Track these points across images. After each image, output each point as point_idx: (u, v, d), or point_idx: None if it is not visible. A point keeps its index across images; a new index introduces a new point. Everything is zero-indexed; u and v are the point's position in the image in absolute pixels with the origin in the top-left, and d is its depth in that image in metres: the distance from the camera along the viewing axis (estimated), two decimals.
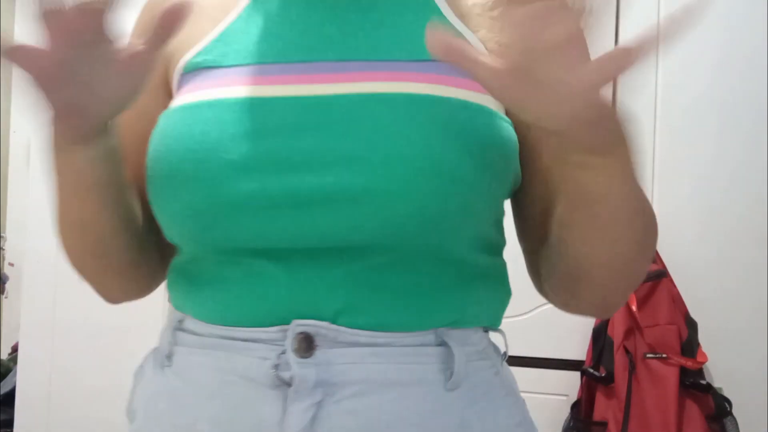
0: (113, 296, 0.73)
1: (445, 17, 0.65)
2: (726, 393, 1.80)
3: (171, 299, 0.68)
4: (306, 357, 0.57)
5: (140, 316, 2.09)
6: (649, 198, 1.90)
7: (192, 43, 0.67)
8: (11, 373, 2.59)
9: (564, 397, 1.91)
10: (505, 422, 0.63)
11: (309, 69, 0.61)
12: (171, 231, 0.63)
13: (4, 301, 2.93)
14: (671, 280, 1.84)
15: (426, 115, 0.58)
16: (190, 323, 0.64)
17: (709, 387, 1.78)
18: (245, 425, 0.58)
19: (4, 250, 2.93)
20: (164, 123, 0.62)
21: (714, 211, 1.90)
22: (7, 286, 2.94)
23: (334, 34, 0.63)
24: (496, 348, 0.68)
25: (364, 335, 0.58)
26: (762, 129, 1.89)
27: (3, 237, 2.92)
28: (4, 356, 2.86)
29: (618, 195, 0.55)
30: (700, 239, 1.90)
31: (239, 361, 0.59)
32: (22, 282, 2.19)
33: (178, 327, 0.65)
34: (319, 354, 0.57)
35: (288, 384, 0.57)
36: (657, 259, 1.88)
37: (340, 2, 0.65)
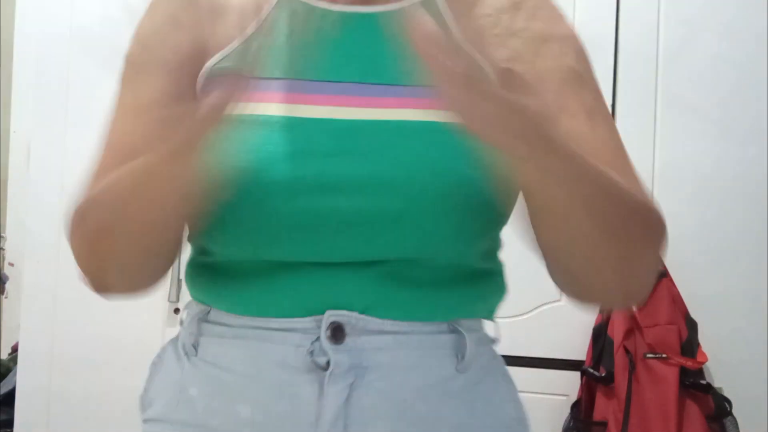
0: (114, 288, 0.71)
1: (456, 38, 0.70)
2: (726, 393, 1.80)
3: (193, 293, 0.73)
4: (338, 344, 0.64)
5: (140, 316, 2.09)
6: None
7: (218, 45, 0.70)
8: (11, 373, 2.58)
9: (564, 397, 1.91)
10: (503, 400, 0.73)
11: (339, 89, 0.67)
12: (211, 236, 0.68)
13: (4, 301, 2.93)
14: (671, 280, 1.84)
15: (447, 143, 0.63)
16: (218, 315, 0.69)
17: (709, 387, 1.78)
18: (284, 406, 0.65)
19: (4, 250, 2.93)
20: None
21: (714, 212, 1.89)
22: (7, 286, 2.93)
23: (359, 54, 0.68)
24: (489, 336, 0.76)
25: (388, 324, 0.66)
26: (762, 129, 1.89)
27: (3, 237, 2.91)
28: (4, 356, 2.85)
29: (557, 185, 0.57)
30: (700, 239, 1.89)
31: (275, 349, 0.66)
32: (22, 282, 2.19)
33: (204, 318, 0.70)
34: (350, 341, 0.65)
35: (323, 368, 0.64)
36: None
37: (362, 23, 0.70)
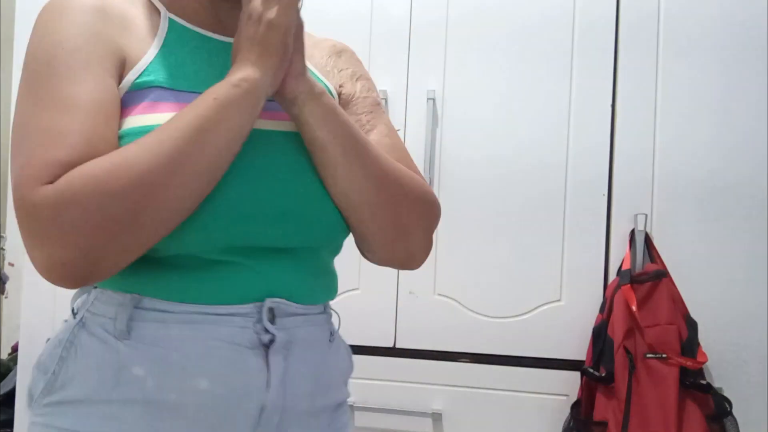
0: (101, 272, 0.74)
1: (309, 65, 0.91)
2: (726, 393, 1.80)
3: (115, 284, 0.79)
4: (274, 324, 0.82)
5: None
6: (649, 198, 1.91)
7: (134, 55, 0.81)
8: (11, 373, 2.58)
9: (564, 397, 1.91)
10: (345, 355, 0.97)
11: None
12: (183, 231, 0.76)
13: (4, 301, 2.93)
14: (671, 280, 1.84)
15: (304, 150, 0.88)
16: (154, 303, 0.79)
17: (709, 387, 1.78)
18: (239, 377, 0.79)
19: (4, 250, 2.93)
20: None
21: (714, 211, 1.89)
22: (7, 286, 2.93)
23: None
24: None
25: (300, 308, 0.86)
26: (762, 128, 1.89)
27: (3, 237, 2.91)
28: (4, 356, 2.85)
29: (327, 135, 0.83)
30: (700, 239, 1.89)
31: (222, 330, 0.79)
32: (22, 282, 2.19)
33: (137, 306, 0.79)
34: (279, 322, 0.83)
35: (265, 344, 0.81)
36: (657, 259, 1.88)
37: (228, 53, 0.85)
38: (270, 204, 0.81)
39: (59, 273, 0.72)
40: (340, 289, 0.97)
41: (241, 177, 0.79)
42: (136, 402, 0.77)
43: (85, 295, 0.84)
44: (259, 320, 0.81)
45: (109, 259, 0.72)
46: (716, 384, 1.83)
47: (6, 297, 2.93)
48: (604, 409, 1.80)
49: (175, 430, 0.77)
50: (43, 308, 2.12)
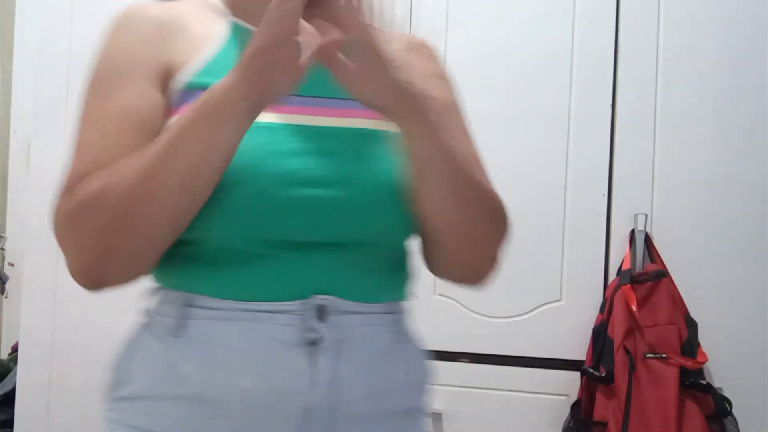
0: (113, 279, 0.80)
1: None
2: (726, 393, 1.80)
3: (169, 282, 0.83)
4: (323, 322, 0.79)
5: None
6: (649, 198, 1.91)
7: (182, 62, 0.82)
8: (11, 373, 2.58)
9: (564, 397, 1.91)
10: (418, 360, 0.91)
11: (305, 102, 0.82)
12: (212, 224, 0.77)
13: (4, 301, 2.93)
14: (671, 280, 1.84)
15: (382, 145, 0.83)
16: (205, 300, 0.79)
17: (709, 387, 1.78)
18: (282, 375, 0.77)
19: (4, 250, 2.93)
20: None
21: (714, 211, 1.89)
22: (7, 286, 2.93)
23: (315, 73, 0.78)
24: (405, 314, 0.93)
25: (355, 306, 0.81)
26: (762, 129, 1.89)
27: (3, 237, 2.91)
28: (4, 356, 2.85)
29: (423, 153, 0.79)
30: (700, 239, 1.89)
31: (267, 327, 0.78)
32: (22, 282, 2.19)
33: (188, 304, 0.80)
34: (332, 320, 0.79)
35: (312, 343, 0.78)
36: (657, 259, 1.88)
37: None
38: (309, 197, 0.78)
39: (81, 277, 0.78)
40: None
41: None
42: (184, 399, 0.78)
43: (152, 296, 0.86)
44: (306, 318, 0.78)
45: (115, 264, 0.77)
46: (716, 384, 1.83)
47: (6, 297, 2.93)
48: (604, 409, 1.80)
49: (219, 427, 0.77)
50: (43, 308, 2.13)
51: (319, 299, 0.79)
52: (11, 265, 2.91)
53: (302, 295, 0.78)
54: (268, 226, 0.77)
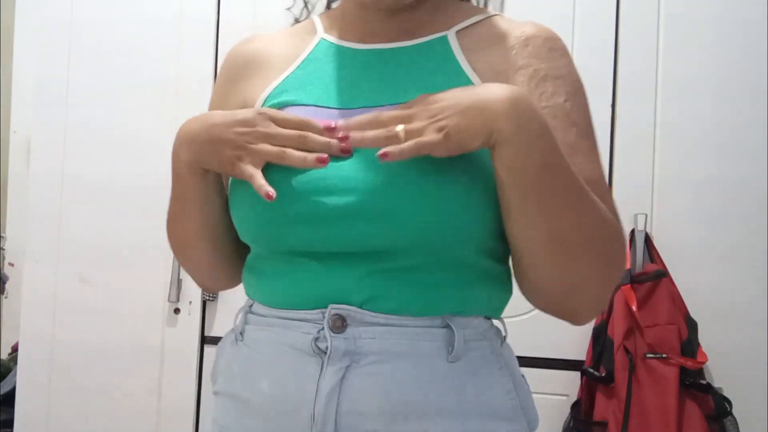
0: (205, 284, 0.98)
1: (461, 69, 0.83)
2: (726, 393, 1.80)
3: (245, 289, 0.89)
4: (339, 333, 0.77)
5: (140, 316, 2.09)
6: (649, 198, 1.91)
7: (261, 89, 0.88)
8: (11, 373, 2.58)
9: (564, 397, 1.91)
10: (497, 389, 0.80)
11: (344, 114, 0.81)
12: (245, 235, 0.83)
13: (4, 301, 2.93)
14: (671, 280, 1.84)
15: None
16: (257, 307, 0.85)
17: (709, 387, 1.78)
18: (293, 383, 0.77)
19: (4, 250, 2.93)
20: None
21: (714, 211, 1.89)
22: (7, 286, 2.93)
23: (371, 85, 0.84)
24: (497, 331, 0.85)
25: (382, 317, 0.77)
26: (762, 129, 1.89)
27: (3, 237, 2.91)
28: (4, 356, 2.85)
29: (527, 178, 0.71)
30: (700, 239, 1.89)
31: (290, 335, 0.79)
32: (22, 282, 2.19)
33: (249, 310, 0.86)
34: (349, 331, 0.77)
35: (323, 352, 0.76)
36: (657, 259, 1.88)
37: (374, 60, 0.86)
38: (325, 207, 0.75)
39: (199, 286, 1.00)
40: None
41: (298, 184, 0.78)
42: (234, 396, 0.84)
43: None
44: (321, 327, 0.77)
45: (202, 280, 0.97)
46: (716, 384, 1.83)
47: (6, 297, 2.93)
48: (604, 409, 1.80)
49: (252, 426, 0.81)
50: (43, 308, 2.13)
51: (336, 309, 0.77)
52: (11, 265, 2.91)
53: (322, 305, 0.78)
54: (285, 236, 0.78)
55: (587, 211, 0.73)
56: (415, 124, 0.71)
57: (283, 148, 0.75)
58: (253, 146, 0.75)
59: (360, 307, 0.76)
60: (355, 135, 0.74)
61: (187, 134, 0.80)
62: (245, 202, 0.80)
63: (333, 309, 0.77)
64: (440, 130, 0.69)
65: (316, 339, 0.77)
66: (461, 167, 0.74)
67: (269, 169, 0.76)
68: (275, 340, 0.81)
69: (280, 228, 0.78)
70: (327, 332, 0.77)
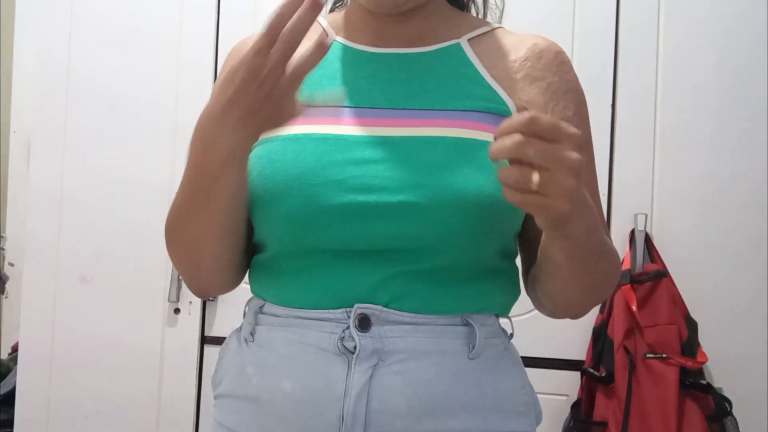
0: (207, 290, 0.88)
1: (480, 75, 0.85)
2: (726, 393, 1.80)
3: (252, 289, 0.87)
4: (364, 332, 0.77)
5: (140, 316, 2.09)
6: (649, 198, 1.91)
7: None
8: (11, 373, 2.58)
9: (564, 397, 1.91)
10: (512, 385, 0.84)
11: (376, 114, 0.82)
12: (267, 232, 0.82)
13: (4, 301, 2.93)
14: (671, 280, 1.84)
15: (465, 154, 0.77)
16: (270, 307, 0.83)
17: (709, 387, 1.78)
18: (318, 383, 0.77)
19: (4, 250, 2.93)
20: (269, 148, 0.80)
21: (714, 211, 1.90)
22: (7, 286, 2.93)
23: (392, 88, 0.84)
24: (504, 329, 0.88)
25: (408, 316, 0.78)
26: (761, 129, 1.89)
27: (3, 237, 2.91)
28: (4, 356, 2.85)
29: (574, 262, 0.74)
30: (700, 239, 1.90)
31: (312, 335, 0.79)
32: (22, 282, 2.19)
33: (259, 311, 0.85)
34: (374, 330, 0.77)
35: (351, 352, 0.77)
36: (657, 259, 1.88)
37: (393, 62, 0.86)
38: (358, 204, 0.76)
39: (190, 289, 0.89)
40: None
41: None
42: (247, 399, 0.83)
43: (249, 302, 0.91)
44: (346, 326, 0.78)
45: (199, 280, 0.85)
46: (716, 384, 1.83)
47: (6, 297, 2.93)
48: (604, 409, 1.80)
49: (272, 427, 0.80)
50: (43, 308, 2.13)
51: (362, 308, 0.78)
52: (11, 265, 2.91)
53: (347, 304, 0.78)
54: (315, 233, 0.78)
55: (610, 251, 0.79)
56: (552, 177, 0.61)
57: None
58: (270, 61, 0.66)
59: (385, 306, 0.78)
60: (493, 148, 0.62)
61: (212, 116, 0.70)
62: (277, 198, 0.78)
63: (358, 308, 0.77)
64: (569, 199, 0.62)
65: (342, 338, 0.77)
66: (493, 171, 0.76)
67: (305, 166, 0.77)
68: (294, 340, 0.80)
69: (313, 223, 0.77)
70: (354, 331, 0.77)
